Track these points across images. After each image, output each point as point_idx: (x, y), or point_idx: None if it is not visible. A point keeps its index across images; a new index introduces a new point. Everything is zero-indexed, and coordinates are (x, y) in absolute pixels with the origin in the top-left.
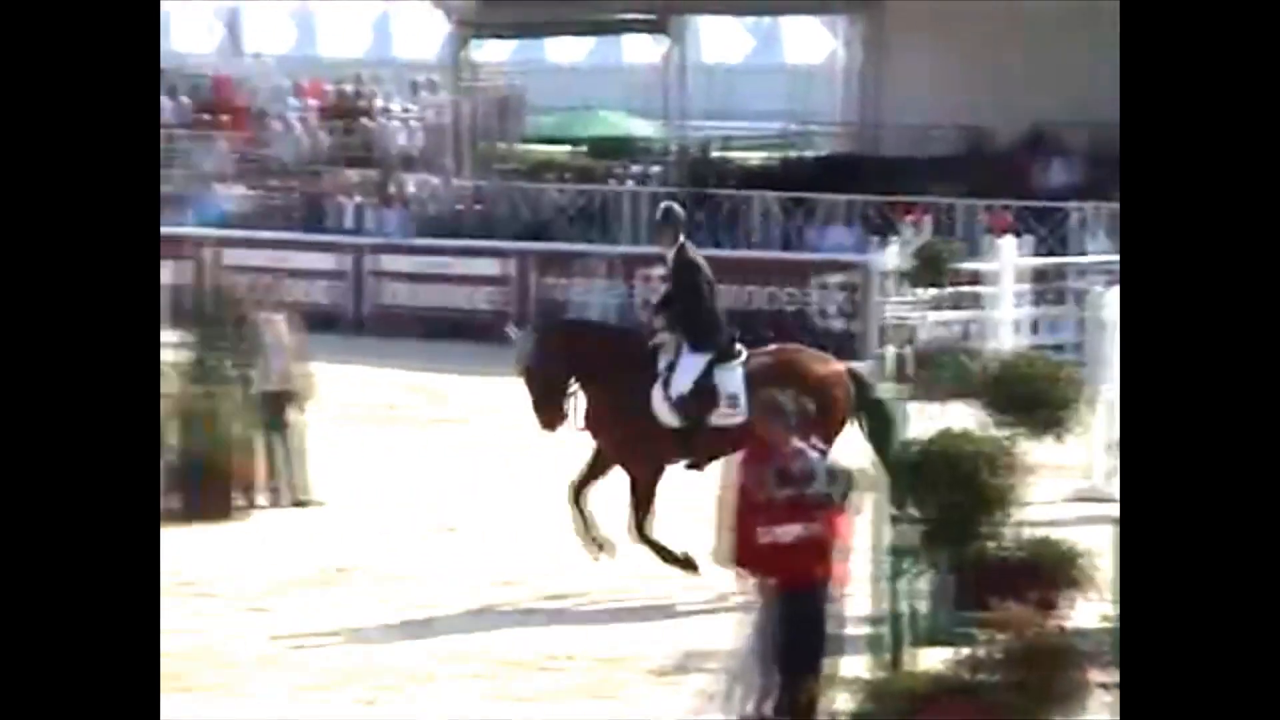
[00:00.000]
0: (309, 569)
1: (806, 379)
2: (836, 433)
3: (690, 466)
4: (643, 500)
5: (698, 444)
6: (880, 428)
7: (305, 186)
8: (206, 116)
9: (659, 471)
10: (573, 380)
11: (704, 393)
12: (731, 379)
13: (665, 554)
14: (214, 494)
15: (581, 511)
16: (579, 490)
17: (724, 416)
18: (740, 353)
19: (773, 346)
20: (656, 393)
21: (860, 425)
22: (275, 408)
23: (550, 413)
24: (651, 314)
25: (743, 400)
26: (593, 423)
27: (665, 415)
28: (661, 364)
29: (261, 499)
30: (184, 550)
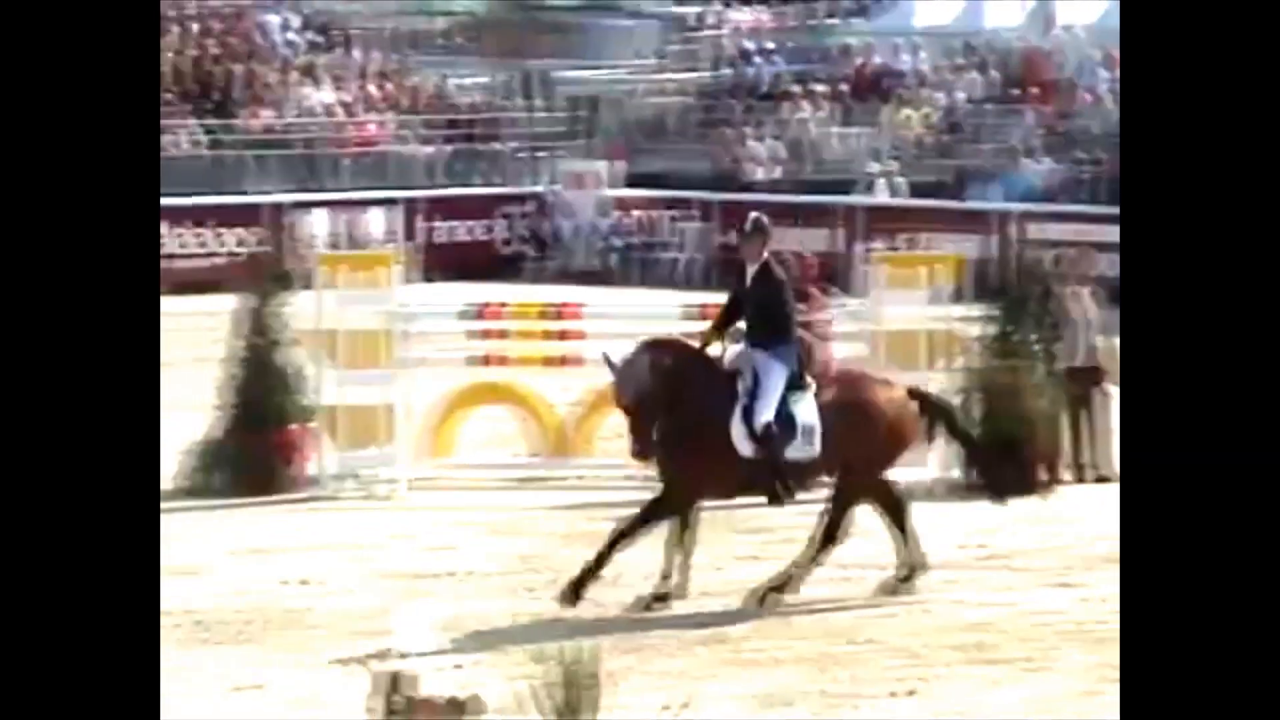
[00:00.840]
0: (1112, 546)
1: (877, 405)
2: (900, 454)
3: (772, 502)
4: (655, 517)
5: (775, 479)
6: (960, 437)
7: (1113, 158)
8: (1015, 90)
9: (696, 498)
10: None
11: (783, 423)
12: (807, 409)
13: (598, 564)
14: (1018, 468)
15: (610, 555)
16: (628, 535)
17: (799, 450)
18: (809, 382)
19: (835, 372)
20: (736, 422)
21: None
22: (1081, 383)
23: (641, 443)
24: (713, 333)
25: (817, 434)
26: (663, 450)
27: (743, 446)
28: (740, 389)
29: (1065, 474)
30: (989, 524)
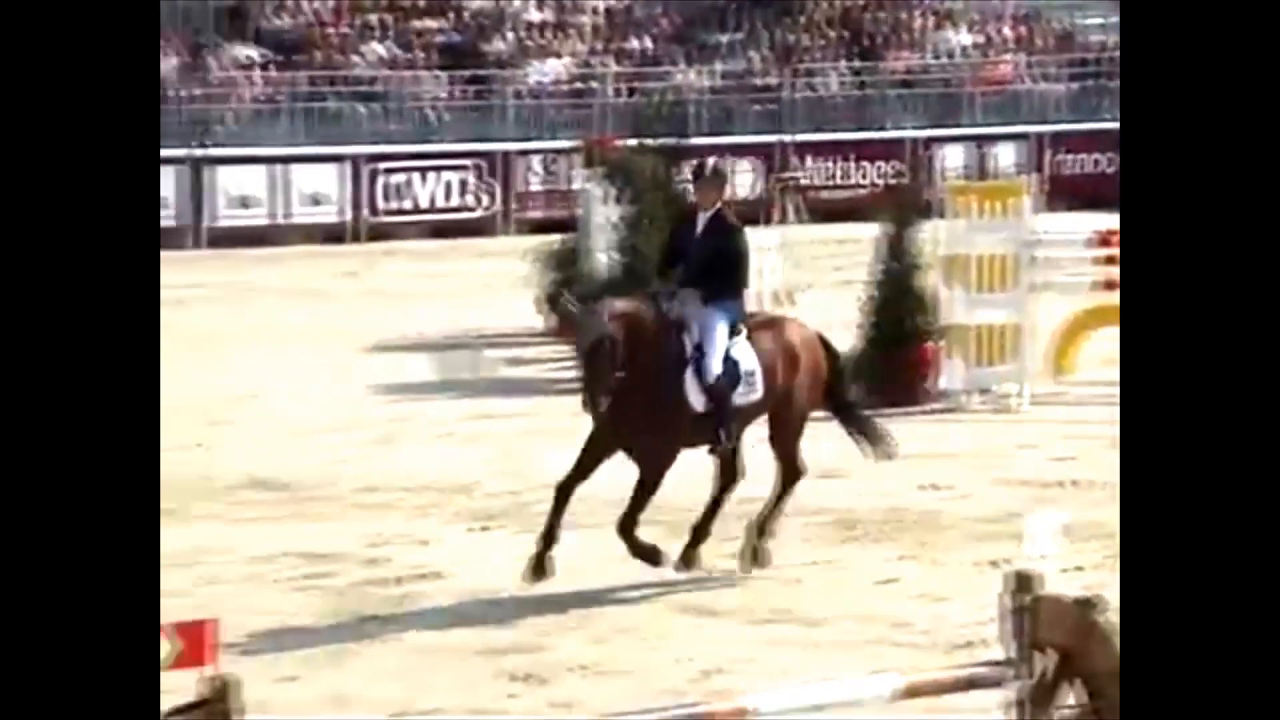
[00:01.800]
0: None
1: (800, 345)
2: (821, 393)
3: (713, 450)
4: (649, 494)
5: (723, 427)
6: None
7: None
8: None
9: (672, 462)
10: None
11: (729, 371)
12: (747, 355)
13: (637, 547)
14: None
15: (559, 516)
16: (569, 490)
17: (743, 395)
18: (742, 328)
19: (761, 316)
20: (689, 376)
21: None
22: None
23: (592, 393)
24: (659, 279)
25: (759, 378)
26: (615, 411)
27: (695, 400)
28: (688, 344)
29: None
30: None
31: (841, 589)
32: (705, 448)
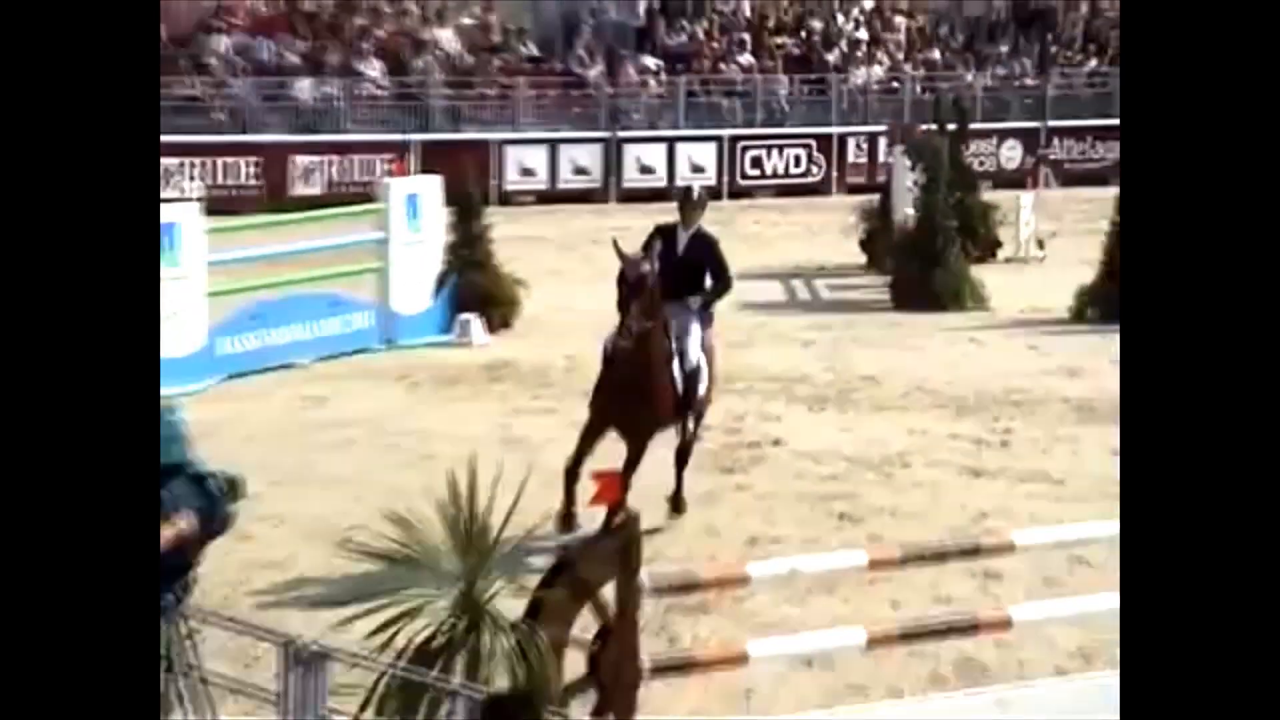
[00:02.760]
0: None
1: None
2: None
3: (680, 433)
4: (636, 465)
5: (690, 410)
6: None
7: None
8: None
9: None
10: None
11: (697, 366)
12: (702, 355)
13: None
14: None
15: (572, 494)
16: (575, 471)
17: (702, 388)
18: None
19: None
20: (675, 361)
21: None
22: None
23: (623, 322)
24: (647, 276)
25: (705, 374)
26: (622, 387)
27: (679, 382)
28: (671, 330)
29: None
30: None
31: (1081, 458)
32: (673, 430)
